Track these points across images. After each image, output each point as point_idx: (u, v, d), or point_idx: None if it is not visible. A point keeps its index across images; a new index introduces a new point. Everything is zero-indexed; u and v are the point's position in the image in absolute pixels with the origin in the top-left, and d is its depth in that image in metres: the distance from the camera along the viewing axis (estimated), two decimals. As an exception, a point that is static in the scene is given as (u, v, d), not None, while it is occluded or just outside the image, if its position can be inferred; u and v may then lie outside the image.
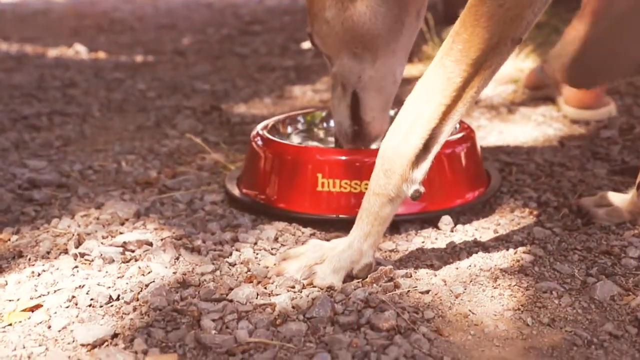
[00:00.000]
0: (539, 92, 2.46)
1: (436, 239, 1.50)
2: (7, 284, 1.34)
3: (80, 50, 3.95)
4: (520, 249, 1.42)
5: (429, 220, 1.56)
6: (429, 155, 1.26)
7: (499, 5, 1.13)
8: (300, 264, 1.33)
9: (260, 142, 1.70)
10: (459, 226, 1.54)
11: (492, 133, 2.21)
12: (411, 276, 1.33)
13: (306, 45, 3.78)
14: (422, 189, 1.28)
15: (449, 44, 1.19)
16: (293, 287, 1.29)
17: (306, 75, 3.15)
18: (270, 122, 1.82)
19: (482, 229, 1.53)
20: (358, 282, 1.29)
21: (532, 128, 2.24)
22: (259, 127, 1.77)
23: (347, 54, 1.49)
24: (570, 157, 1.92)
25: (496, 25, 1.14)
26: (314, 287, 1.28)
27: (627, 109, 2.35)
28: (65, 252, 1.47)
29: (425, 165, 1.27)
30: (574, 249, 1.41)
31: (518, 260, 1.37)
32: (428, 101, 1.22)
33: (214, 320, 1.18)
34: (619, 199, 1.52)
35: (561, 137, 2.13)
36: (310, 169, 1.58)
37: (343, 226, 1.54)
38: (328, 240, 1.41)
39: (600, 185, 1.72)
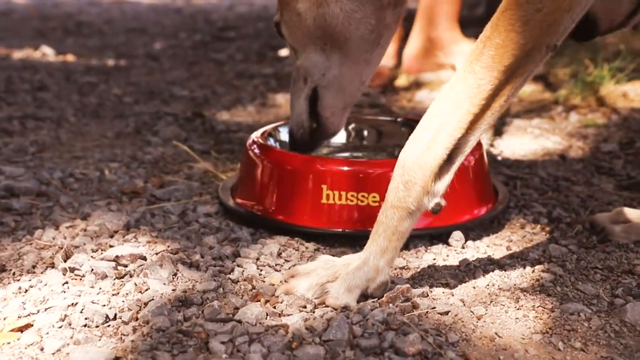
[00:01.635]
0: None
1: (447, 255, 1.43)
2: (-9, 301, 1.24)
3: (47, 53, 3.81)
4: (538, 267, 1.36)
5: (438, 236, 1.49)
6: (453, 167, 1.20)
7: (536, 9, 1.07)
8: (310, 282, 1.24)
9: (257, 151, 1.61)
10: (470, 242, 1.48)
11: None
12: (427, 295, 1.26)
13: (284, 52, 3.70)
14: (443, 202, 1.21)
15: (480, 49, 1.12)
16: (304, 306, 1.21)
17: (287, 82, 3.06)
18: (267, 128, 1.73)
19: (494, 246, 1.47)
20: (374, 301, 1.22)
21: (529, 141, 2.19)
22: (254, 135, 1.68)
23: (315, 49, 1.45)
24: (574, 171, 1.87)
25: (532, 31, 1.08)
26: (327, 306, 1.21)
27: (624, 122, 2.32)
28: (52, 266, 1.37)
29: (448, 177, 1.20)
30: (594, 268, 1.35)
31: (537, 280, 1.31)
32: (455, 109, 1.15)
33: (223, 343, 1.09)
34: (636, 215, 1.47)
35: (561, 151, 2.09)
36: (314, 180, 1.50)
37: (348, 241, 1.47)
38: (333, 256, 1.33)
39: (610, 200, 1.67)
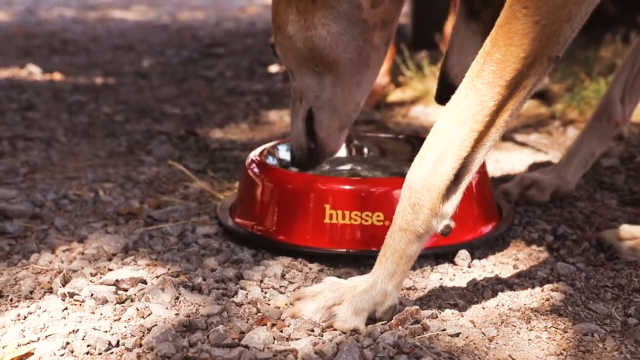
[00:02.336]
0: None
1: (454, 275, 1.41)
2: (-11, 328, 1.20)
3: (34, 71, 3.77)
4: (547, 286, 1.34)
5: (443, 255, 1.47)
6: (460, 187, 1.18)
7: (534, 22, 1.05)
8: (317, 305, 1.22)
9: (256, 170, 1.59)
10: (476, 261, 1.45)
11: (488, 161, 2.13)
12: (437, 317, 1.23)
13: (274, 68, 3.68)
14: (453, 224, 1.19)
15: (480, 66, 1.11)
16: (312, 330, 1.18)
17: (279, 99, 3.04)
18: (266, 147, 1.71)
19: (500, 265, 1.45)
20: (383, 324, 1.19)
21: (527, 156, 2.18)
22: (253, 154, 1.66)
23: (307, 71, 1.46)
24: (576, 186, 1.85)
25: (532, 43, 1.06)
26: (335, 330, 1.18)
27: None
28: (51, 291, 1.33)
29: (457, 197, 1.18)
30: (605, 287, 1.33)
31: (548, 299, 1.29)
32: (459, 128, 1.13)
33: (231, 370, 1.06)
34: (643, 233, 1.46)
35: (561, 166, 2.07)
36: (316, 199, 1.47)
37: (352, 262, 1.45)
38: (338, 277, 1.30)
39: (614, 216, 1.66)
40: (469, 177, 1.18)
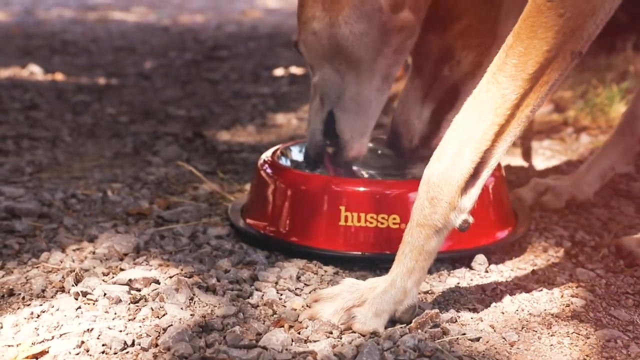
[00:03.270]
0: None
1: (471, 280, 1.39)
2: (2, 326, 1.18)
3: (35, 71, 3.74)
4: (567, 292, 1.32)
5: (460, 260, 1.45)
6: (479, 182, 1.17)
7: (558, 15, 1.04)
8: (335, 307, 1.20)
9: (269, 171, 1.57)
10: (493, 266, 1.44)
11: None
12: (456, 321, 1.22)
13: (279, 72, 3.66)
14: (471, 219, 1.18)
15: (502, 59, 1.10)
16: (331, 332, 1.16)
17: (285, 102, 3.03)
18: (279, 147, 1.69)
19: (518, 270, 1.43)
20: (403, 327, 1.17)
21: (541, 162, 2.17)
22: (265, 155, 1.64)
23: (330, 69, 1.46)
24: (592, 194, 1.85)
25: (555, 37, 1.05)
26: (354, 332, 1.16)
27: (636, 143, 2.30)
28: (63, 290, 1.31)
29: (475, 192, 1.17)
30: (625, 293, 1.32)
31: (568, 305, 1.27)
32: (479, 121, 1.12)
33: (250, 371, 1.05)
34: (662, 239, 1.44)
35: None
36: (331, 201, 1.45)
37: (368, 265, 1.43)
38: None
39: (632, 224, 1.65)
40: (488, 171, 1.17)
